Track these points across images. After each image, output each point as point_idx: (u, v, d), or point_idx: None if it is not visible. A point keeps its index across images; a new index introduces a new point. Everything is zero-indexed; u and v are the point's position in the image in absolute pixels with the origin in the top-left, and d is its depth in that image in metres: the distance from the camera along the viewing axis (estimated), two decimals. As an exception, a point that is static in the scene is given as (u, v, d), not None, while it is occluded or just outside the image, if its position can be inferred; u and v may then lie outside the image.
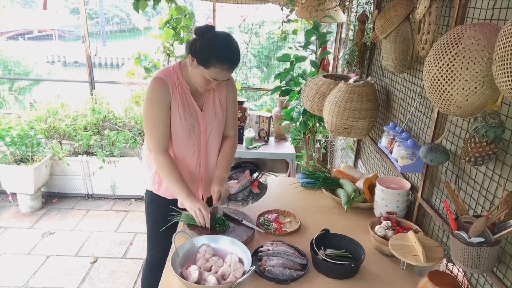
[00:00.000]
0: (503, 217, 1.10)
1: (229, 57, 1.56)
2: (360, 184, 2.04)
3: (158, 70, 1.74)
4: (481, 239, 1.11)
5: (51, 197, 3.86)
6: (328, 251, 1.53)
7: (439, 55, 1.13)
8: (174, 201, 1.76)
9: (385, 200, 1.76)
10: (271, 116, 3.78)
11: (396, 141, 1.77)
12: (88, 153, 3.82)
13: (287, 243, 1.58)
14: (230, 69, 1.58)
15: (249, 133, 3.63)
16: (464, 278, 1.39)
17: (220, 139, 1.84)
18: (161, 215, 1.82)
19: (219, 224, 1.67)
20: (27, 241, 3.16)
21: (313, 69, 2.87)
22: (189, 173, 1.79)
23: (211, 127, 1.76)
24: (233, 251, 1.48)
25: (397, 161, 1.75)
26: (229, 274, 1.36)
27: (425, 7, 1.39)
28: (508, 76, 0.86)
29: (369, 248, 1.61)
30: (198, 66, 1.56)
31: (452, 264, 1.42)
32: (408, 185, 1.78)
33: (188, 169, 1.78)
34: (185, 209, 1.68)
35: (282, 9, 3.13)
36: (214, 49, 1.53)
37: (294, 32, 3.88)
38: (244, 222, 1.72)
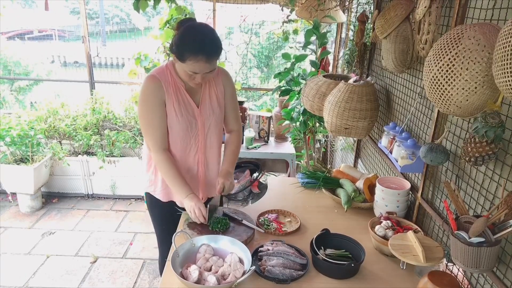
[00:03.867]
0: (503, 217, 1.10)
1: (203, 48, 1.48)
2: (360, 184, 2.04)
3: (152, 69, 1.73)
4: (481, 239, 1.11)
5: (51, 197, 3.86)
6: (328, 251, 1.53)
7: (439, 55, 1.13)
8: (170, 203, 1.77)
9: (385, 200, 1.76)
10: (271, 116, 3.78)
11: (396, 141, 1.77)
12: (88, 153, 3.82)
13: (287, 243, 1.59)
14: (208, 60, 1.50)
15: (249, 133, 3.62)
16: (464, 278, 1.39)
17: (219, 137, 1.82)
18: (163, 215, 1.83)
19: (220, 224, 1.67)
20: (27, 241, 3.16)
21: (313, 69, 2.87)
22: (188, 172, 1.77)
23: (209, 124, 1.73)
24: (233, 251, 1.48)
25: (397, 161, 1.75)
26: (229, 274, 1.36)
27: (425, 7, 1.39)
28: (508, 76, 0.86)
29: (369, 248, 1.62)
30: (177, 61, 1.54)
31: (452, 264, 1.42)
32: (408, 185, 1.78)
33: (187, 168, 1.77)
34: (184, 208, 1.68)
35: (282, 9, 3.13)
36: (187, 42, 1.49)
37: (295, 31, 3.88)
38: (244, 222, 1.72)
